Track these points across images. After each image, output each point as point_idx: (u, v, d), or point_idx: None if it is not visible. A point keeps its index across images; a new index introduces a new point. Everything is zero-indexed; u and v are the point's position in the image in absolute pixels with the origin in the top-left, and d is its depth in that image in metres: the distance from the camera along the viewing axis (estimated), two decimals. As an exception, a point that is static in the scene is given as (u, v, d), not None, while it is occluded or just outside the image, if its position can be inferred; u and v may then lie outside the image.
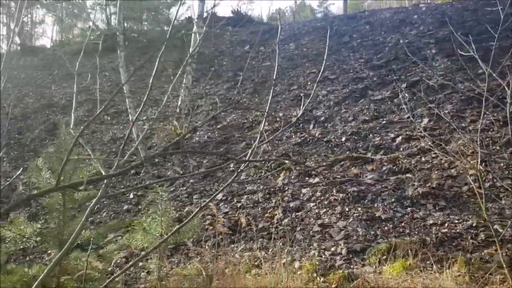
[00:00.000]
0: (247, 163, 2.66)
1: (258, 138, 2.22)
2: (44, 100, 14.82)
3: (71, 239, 2.45)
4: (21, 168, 3.64)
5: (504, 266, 4.07)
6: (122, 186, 8.61)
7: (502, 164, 6.48)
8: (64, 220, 4.05)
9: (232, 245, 5.96)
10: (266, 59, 13.92)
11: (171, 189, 8.18)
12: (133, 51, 16.07)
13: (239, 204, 7.20)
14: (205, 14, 11.77)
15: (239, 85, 12.10)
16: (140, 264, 6.04)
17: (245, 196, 7.37)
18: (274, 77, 2.75)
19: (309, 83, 11.40)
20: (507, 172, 6.35)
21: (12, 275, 3.97)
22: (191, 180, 8.39)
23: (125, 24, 18.25)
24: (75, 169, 4.10)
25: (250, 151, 2.28)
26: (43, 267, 4.27)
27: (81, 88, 15.26)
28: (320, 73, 5.42)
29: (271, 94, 2.59)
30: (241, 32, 17.86)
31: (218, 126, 10.55)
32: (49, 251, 6.84)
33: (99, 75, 15.16)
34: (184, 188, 8.20)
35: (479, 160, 4.35)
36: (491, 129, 7.35)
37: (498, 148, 6.84)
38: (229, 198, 7.53)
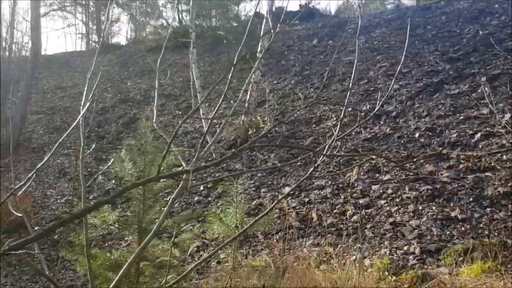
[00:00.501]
0: (327, 157, 2.65)
1: (336, 131, 2.21)
2: (120, 95, 15.67)
3: (154, 228, 2.60)
4: (111, 160, 3.88)
5: None
6: (194, 179, 8.89)
7: None
8: (143, 209, 4.28)
9: (300, 240, 5.98)
10: (334, 53, 13.72)
11: (240, 182, 8.35)
12: (203, 48, 16.50)
13: (307, 199, 7.19)
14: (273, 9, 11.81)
15: (324, 81, 12.03)
16: (205, 255, 6.23)
17: (313, 191, 7.35)
18: (353, 76, 2.71)
19: (380, 77, 11.08)
20: None
21: (96, 259, 4.25)
22: (259, 174, 8.50)
23: (196, 22, 18.77)
24: (153, 161, 4.31)
25: (326, 145, 2.28)
26: (123, 253, 4.55)
27: (154, 83, 15.97)
28: (400, 65, 5.27)
29: (350, 89, 2.55)
30: (309, 26, 17.71)
31: (286, 121, 10.57)
32: (125, 238, 7.27)
33: (170, 71, 15.76)
34: (252, 181, 8.32)
35: None
36: None
37: None
38: (296, 193, 7.54)
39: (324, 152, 2.21)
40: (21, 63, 17.15)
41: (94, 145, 7.96)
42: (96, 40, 28.31)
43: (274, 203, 2.06)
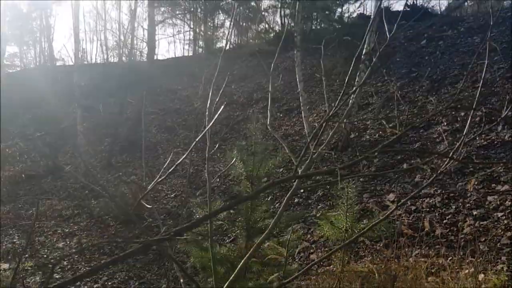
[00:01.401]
0: (452, 160, 2.54)
1: (465, 132, 2.12)
2: (225, 98, 16.34)
3: (270, 226, 2.70)
4: (224, 159, 4.11)
5: None
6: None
7: None
8: (251, 208, 4.45)
9: (406, 249, 5.75)
10: (445, 53, 12.95)
11: (340, 186, 8.26)
12: (305, 51, 16.57)
13: (413, 207, 6.90)
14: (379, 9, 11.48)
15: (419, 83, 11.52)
16: (312, 256, 6.27)
17: (421, 199, 7.02)
18: (483, 75, 2.56)
19: (497, 79, 10.22)
20: None
21: (207, 252, 4.50)
22: (361, 179, 8.33)
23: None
24: (262, 161, 4.46)
25: (450, 149, 2.20)
26: (230, 248, 4.77)
27: (258, 86, 16.42)
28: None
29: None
30: (417, 26, 16.91)
31: (390, 125, 10.22)
32: (229, 235, 7.59)
33: (272, 74, 16.06)
34: (354, 186, 8.17)
35: None
36: None
37: None
38: (402, 200, 7.26)
39: (450, 156, 2.12)
40: (138, 67, 18.72)
41: (217, 144, 8.42)
42: (203, 45, 29.78)
43: (393, 209, 2.03)
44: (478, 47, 12.51)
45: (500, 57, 11.17)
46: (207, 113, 2.74)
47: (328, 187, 8.17)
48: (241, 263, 2.42)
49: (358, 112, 11.43)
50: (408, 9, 19.33)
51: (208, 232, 2.58)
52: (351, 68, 2.94)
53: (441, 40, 14.25)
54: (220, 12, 30.04)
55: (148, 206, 3.19)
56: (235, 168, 4.52)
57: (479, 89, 2.60)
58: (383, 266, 5.11)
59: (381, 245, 5.85)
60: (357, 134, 10.58)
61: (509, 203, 6.22)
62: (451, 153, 2.08)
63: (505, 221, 5.88)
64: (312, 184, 6.93)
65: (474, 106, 2.23)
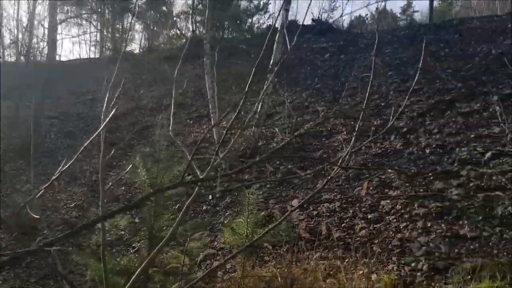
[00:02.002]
0: (341, 169, 2.69)
1: (351, 144, 2.26)
2: (133, 103, 15.83)
3: (168, 235, 2.65)
4: (128, 166, 3.95)
5: None
6: (203, 188, 8.95)
7: None
8: (154, 216, 4.34)
9: (308, 252, 5.99)
10: (346, 67, 13.79)
11: (242, 193, 8.39)
12: (216, 59, 16.65)
13: (315, 212, 7.21)
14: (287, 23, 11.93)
15: (343, 95, 12.10)
16: (217, 263, 6.26)
17: (322, 205, 7.36)
18: (369, 85, 2.76)
19: (391, 92, 11.11)
20: None
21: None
22: (268, 185, 8.53)
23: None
24: (167, 168, 4.38)
25: (341, 157, 2.33)
26: (132, 259, 4.60)
27: (167, 92, 16.11)
28: (414, 83, 5.31)
29: (365, 101, 2.60)
30: (322, 40, 17.83)
31: (295, 133, 10.62)
32: (133, 245, 7.32)
33: (183, 81, 15.88)
34: (261, 192, 8.34)
35: None
36: None
37: None
38: (305, 206, 7.56)
39: (338, 164, 2.25)
40: (37, 68, 17.43)
41: (113, 150, 8.05)
42: (110, 47, 28.61)
43: (286, 214, 2.11)
44: (376, 62, 13.49)
45: (394, 73, 12.18)
46: (102, 117, 2.62)
47: (236, 193, 8.26)
48: (136, 273, 2.33)
49: (266, 120, 11.71)
50: (314, 23, 20.32)
51: (101, 243, 2.46)
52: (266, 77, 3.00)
53: (343, 54, 15.16)
54: (129, 14, 29.11)
55: (36, 216, 2.96)
56: (137, 176, 4.39)
57: (357, 102, 2.79)
58: (285, 270, 5.26)
59: (284, 249, 6.02)
60: (265, 141, 10.83)
61: (400, 207, 6.75)
62: (340, 162, 2.20)
63: (396, 224, 6.36)
64: (212, 191, 6.93)
65: (360, 117, 2.39)
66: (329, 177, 2.21)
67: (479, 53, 11.83)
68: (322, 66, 14.93)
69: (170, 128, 3.03)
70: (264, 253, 6.27)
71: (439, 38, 14.16)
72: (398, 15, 44.02)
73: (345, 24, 22.48)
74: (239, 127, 10.09)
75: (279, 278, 4.91)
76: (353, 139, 2.44)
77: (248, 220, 3.69)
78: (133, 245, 7.21)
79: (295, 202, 7.87)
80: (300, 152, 9.84)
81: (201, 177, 2.05)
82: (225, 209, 8.22)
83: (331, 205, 7.30)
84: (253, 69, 2.70)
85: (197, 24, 21.47)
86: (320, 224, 6.56)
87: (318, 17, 21.23)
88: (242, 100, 2.49)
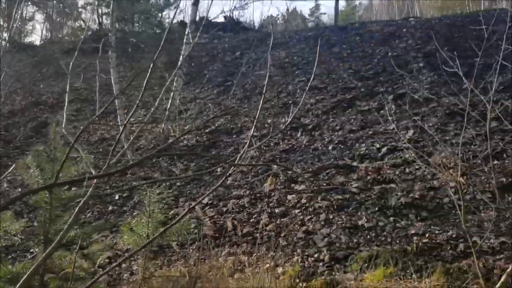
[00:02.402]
0: (234, 167, 2.72)
1: (247, 143, 2.30)
2: (32, 98, 14.72)
3: (58, 238, 2.49)
4: (12, 166, 3.65)
5: (480, 276, 4.19)
6: (108, 187, 8.59)
7: (483, 178, 6.64)
8: (50, 219, 4.07)
9: (217, 249, 6.01)
10: (256, 65, 14.04)
11: (157, 192, 8.19)
12: (124, 53, 16.06)
13: (225, 209, 7.25)
14: (197, 19, 11.85)
15: (232, 91, 12.19)
16: (124, 265, 6.05)
17: (231, 201, 7.43)
18: (265, 84, 2.83)
19: (298, 91, 11.52)
20: (487, 185, 6.50)
21: (-6, 272, 3.96)
22: (178, 183, 8.42)
23: (117, 25, 18.25)
24: (62, 168, 4.12)
25: (238, 155, 2.36)
26: (27, 265, 4.27)
27: (70, 87, 15.18)
28: (310, 82, 5.54)
29: (261, 101, 2.66)
30: (233, 38, 17.97)
31: (207, 130, 10.60)
32: (31, 250, 6.81)
33: (88, 75, 15.09)
34: (171, 191, 8.22)
35: (459, 173, 4.49)
36: (473, 143, 7.53)
37: (479, 162, 7.01)
38: (215, 202, 7.58)
39: (236, 162, 2.27)
40: None
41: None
42: (6, 38, 26.32)
43: (184, 212, 2.09)
44: (284, 61, 13.92)
45: (301, 72, 12.64)
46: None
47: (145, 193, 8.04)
48: (23, 279, 2.17)
49: (177, 117, 11.54)
50: (225, 21, 20.41)
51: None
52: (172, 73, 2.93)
53: (253, 52, 15.41)
54: (30, 3, 27.00)
55: None
56: (30, 176, 4.08)
57: (261, 102, 2.86)
58: (193, 268, 5.23)
59: (192, 248, 5.98)
60: (176, 139, 10.66)
61: (305, 200, 7.02)
62: (237, 160, 2.23)
63: (301, 217, 6.61)
64: (109, 190, 6.71)
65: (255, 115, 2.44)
66: (226, 175, 2.23)
67: (377, 54, 12.69)
68: (233, 63, 15.05)
69: (63, 125, 2.85)
70: (172, 253, 6.18)
71: (342, 40, 14.96)
72: (307, 17, 45.77)
73: (256, 24, 22.87)
74: (147, 123, 9.85)
75: (187, 277, 4.87)
76: (249, 138, 2.47)
77: (150, 219, 3.60)
78: (31, 251, 6.73)
79: (205, 200, 7.86)
80: (211, 149, 9.84)
81: (85, 176, 1.95)
82: (132, 209, 7.96)
83: (240, 201, 7.39)
84: (151, 65, 2.63)
85: (103, 16, 20.54)
86: (231, 220, 6.62)
87: (229, 14, 21.35)
88: (141, 95, 2.41)
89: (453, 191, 6.47)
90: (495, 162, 6.95)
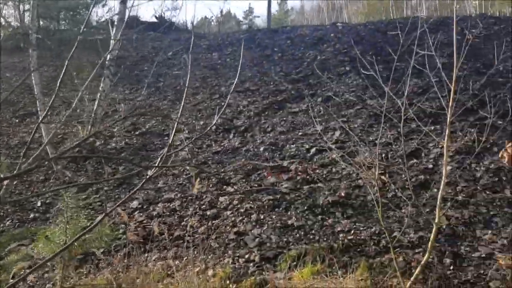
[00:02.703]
0: (158, 169, 2.66)
1: (168, 145, 2.25)
2: None
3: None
4: None
5: (397, 270, 4.43)
6: (29, 193, 8.10)
7: (403, 176, 7.03)
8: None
9: (146, 254, 5.86)
10: (188, 66, 13.88)
11: (83, 197, 7.83)
12: (47, 51, 15.23)
13: (155, 213, 7.10)
14: (126, 17, 11.50)
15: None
16: (46, 275, 5.73)
17: (162, 204, 7.29)
18: (186, 85, 2.80)
19: (231, 92, 11.55)
20: (407, 183, 6.88)
21: None
22: (105, 188, 8.13)
23: (40, 23, 17.28)
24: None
25: (159, 158, 2.31)
26: None
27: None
28: (233, 85, 5.56)
29: (183, 101, 2.63)
30: (164, 38, 17.66)
31: (137, 133, 10.32)
32: None
33: (9, 74, 14.14)
34: (98, 195, 7.91)
35: (376, 172, 4.71)
36: (395, 143, 7.95)
37: (400, 160, 7.42)
38: (144, 206, 7.39)
39: (156, 165, 2.22)
40: None
41: None
42: None
43: (99, 218, 2.00)
44: (216, 63, 13.90)
45: (233, 73, 12.68)
46: None
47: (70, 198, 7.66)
48: None
49: (104, 119, 11.12)
50: (156, 20, 20.01)
51: None
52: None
53: (185, 53, 15.24)
54: None
55: None
56: None
57: (182, 102, 2.81)
58: (121, 275, 5.06)
59: (120, 254, 5.79)
60: (103, 141, 10.27)
61: (236, 202, 7.04)
62: (158, 162, 2.18)
63: (233, 218, 6.62)
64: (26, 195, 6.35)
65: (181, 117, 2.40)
66: (146, 178, 2.17)
67: (307, 58, 13.05)
68: (165, 64, 14.79)
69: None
70: (99, 261, 5.94)
71: (274, 43, 15.22)
72: (241, 19, 46.10)
73: (189, 24, 22.63)
74: (66, 124, 9.41)
75: (115, 284, 4.70)
76: (170, 140, 2.43)
77: (68, 226, 3.43)
78: None
79: (135, 204, 7.64)
80: (141, 151, 9.59)
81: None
82: (56, 216, 7.55)
83: (171, 204, 7.27)
84: (65, 64, 2.50)
85: (26, 13, 19.35)
86: (157, 224, 6.49)
87: (161, 14, 20.96)
88: (53, 96, 2.28)
89: (375, 189, 6.81)
90: (414, 160, 7.40)
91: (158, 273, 5.30)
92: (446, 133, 4.24)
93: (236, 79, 3.69)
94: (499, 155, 3.99)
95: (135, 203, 7.60)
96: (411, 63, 4.77)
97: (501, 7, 28.32)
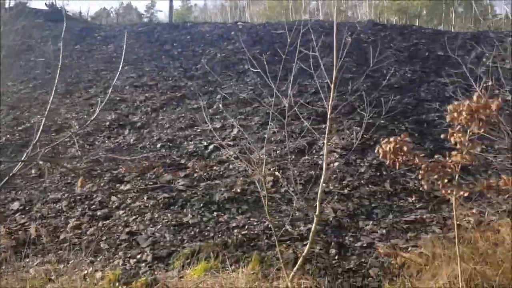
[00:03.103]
0: (21, 165, 2.43)
1: (36, 138, 2.07)
2: None
3: None
4: None
5: (282, 262, 4.59)
6: None
7: (296, 172, 7.31)
8: None
9: (27, 259, 5.40)
10: (80, 58, 13.10)
11: None
12: None
13: (39, 214, 6.58)
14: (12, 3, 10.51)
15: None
16: None
17: (47, 205, 6.78)
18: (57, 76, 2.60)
19: (127, 87, 11.11)
20: (299, 178, 7.17)
21: None
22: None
23: None
24: None
25: (26, 151, 2.11)
26: None
27: None
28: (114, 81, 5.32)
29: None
30: (55, 27, 16.45)
31: (20, 128, 9.48)
32: None
33: None
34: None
35: (263, 168, 4.84)
36: (289, 140, 8.23)
37: (293, 157, 7.71)
38: (27, 208, 6.83)
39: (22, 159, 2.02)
40: None
41: None
42: None
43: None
44: (112, 55, 13.27)
45: (130, 67, 12.22)
46: None
47: None
48: None
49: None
50: (47, 8, 18.59)
51: None
52: None
53: (78, 44, 14.36)
54: None
55: None
56: None
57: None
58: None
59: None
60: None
61: (130, 201, 6.79)
62: (24, 157, 1.98)
63: (125, 218, 6.36)
64: None
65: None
66: (10, 175, 1.96)
67: (207, 55, 13.01)
68: (54, 55, 13.75)
69: None
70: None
71: (174, 38, 14.95)
72: (143, 13, 44.66)
73: (85, 14, 21.35)
74: None
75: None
76: (38, 133, 2.24)
77: None
78: None
79: (15, 205, 7.01)
80: (24, 148, 8.81)
81: None
82: None
83: (57, 205, 6.80)
84: None
85: None
86: (41, 226, 6.02)
87: (52, 2, 19.49)
88: None
89: (270, 184, 7.00)
90: (306, 157, 7.73)
91: (40, 279, 4.92)
92: (327, 129, 4.48)
93: (117, 75, 3.53)
94: (375, 151, 4.36)
95: (16, 204, 6.98)
96: (294, 64, 4.97)
97: (389, 15, 30.93)
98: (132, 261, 5.38)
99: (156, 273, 5.10)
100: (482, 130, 3.81)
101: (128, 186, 7.21)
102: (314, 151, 7.91)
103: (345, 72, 10.61)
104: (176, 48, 13.87)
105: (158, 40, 14.81)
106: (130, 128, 9.25)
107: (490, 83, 4.12)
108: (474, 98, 3.66)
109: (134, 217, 6.37)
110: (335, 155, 7.77)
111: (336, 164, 7.46)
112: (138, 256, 5.45)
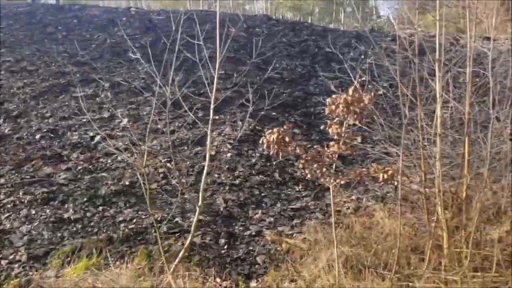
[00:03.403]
0: None
1: None
2: None
3: None
4: None
5: (163, 254, 4.53)
6: None
7: (188, 163, 7.22)
8: None
9: None
10: None
11: None
12: None
13: None
14: None
15: None
16: None
17: None
18: None
19: (2, 72, 10.05)
20: (192, 170, 7.10)
21: None
22: None
23: None
24: None
25: None
26: None
27: None
28: None
29: None
30: None
31: None
32: None
33: None
34: None
35: (144, 159, 4.72)
36: (181, 132, 8.11)
37: (186, 148, 7.62)
38: None
39: None
40: None
41: None
42: None
43: None
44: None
45: (7, 50, 11.08)
46: None
47: None
48: None
49: None
50: None
51: None
52: None
53: None
54: None
55: None
56: None
57: None
58: None
59: None
60: None
61: (3, 196, 6.18)
62: None
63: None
64: None
65: None
66: None
67: (95, 40, 12.26)
68: None
69: None
70: None
71: (59, 20, 13.85)
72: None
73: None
74: None
75: None
76: None
77: None
78: None
79: None
80: None
81: None
82: None
83: None
84: None
85: None
86: None
87: None
88: None
89: (162, 176, 6.85)
90: (199, 148, 7.66)
91: None
92: (210, 119, 4.49)
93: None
94: (260, 141, 4.45)
95: None
96: (179, 53, 4.89)
97: (284, 12, 31.92)
98: (3, 262, 4.90)
99: (31, 273, 4.70)
100: (358, 122, 4.10)
101: (2, 181, 6.55)
102: (207, 142, 7.85)
103: (238, 64, 10.77)
104: (61, 31, 12.86)
105: (41, 22, 13.61)
106: (6, 117, 8.38)
107: (365, 79, 4.41)
108: (350, 92, 3.90)
109: (7, 214, 5.81)
110: (228, 146, 7.82)
111: (228, 155, 7.51)
112: (11, 257, 4.99)
